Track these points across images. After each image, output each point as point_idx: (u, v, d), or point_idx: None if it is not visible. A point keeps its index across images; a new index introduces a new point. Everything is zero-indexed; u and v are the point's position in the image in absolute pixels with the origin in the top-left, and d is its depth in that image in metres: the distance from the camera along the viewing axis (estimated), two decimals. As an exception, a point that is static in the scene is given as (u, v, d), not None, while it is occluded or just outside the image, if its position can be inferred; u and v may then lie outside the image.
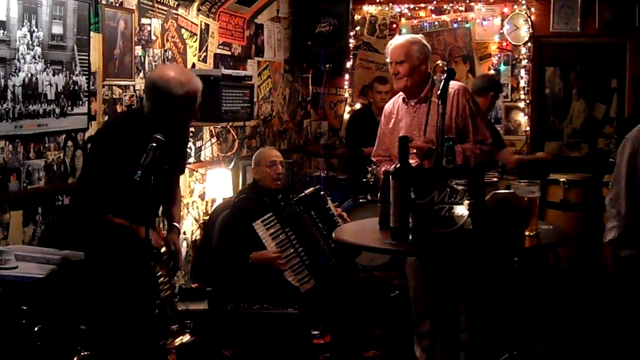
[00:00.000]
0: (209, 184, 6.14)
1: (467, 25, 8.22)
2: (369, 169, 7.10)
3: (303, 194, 5.49)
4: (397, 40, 4.58)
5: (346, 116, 8.55)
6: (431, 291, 4.27)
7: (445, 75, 3.84)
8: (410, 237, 3.15)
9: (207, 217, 5.91)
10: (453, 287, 3.53)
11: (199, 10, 6.05)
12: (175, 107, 3.96)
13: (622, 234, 4.13)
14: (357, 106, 8.46)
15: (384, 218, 3.47)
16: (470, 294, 4.28)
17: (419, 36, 4.67)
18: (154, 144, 3.58)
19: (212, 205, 6.20)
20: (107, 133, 4.18)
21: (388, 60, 4.53)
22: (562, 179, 7.05)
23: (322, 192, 5.57)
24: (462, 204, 3.11)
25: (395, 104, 4.66)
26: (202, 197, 6.22)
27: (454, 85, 4.32)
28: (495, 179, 3.80)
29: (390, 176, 3.30)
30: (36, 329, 3.38)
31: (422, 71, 4.48)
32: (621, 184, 4.16)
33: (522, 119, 8.09)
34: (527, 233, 3.38)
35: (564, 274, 6.60)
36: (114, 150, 3.93)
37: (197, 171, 6.13)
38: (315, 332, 5.17)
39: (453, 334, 3.64)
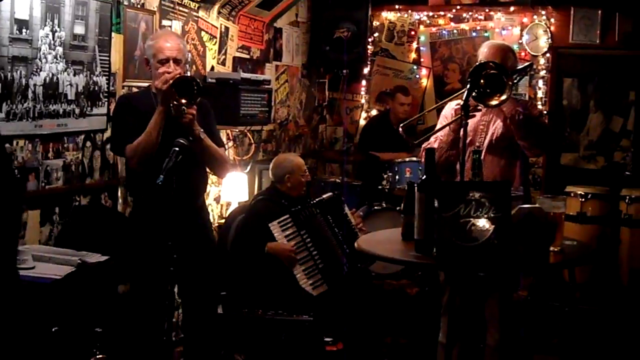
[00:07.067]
0: (224, 188, 6.10)
1: (486, 34, 8.16)
2: (385, 176, 7.08)
3: (321, 198, 5.45)
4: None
5: (362, 122, 8.50)
6: (450, 294, 4.20)
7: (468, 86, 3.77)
8: (435, 250, 3.12)
9: (223, 221, 5.88)
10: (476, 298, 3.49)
11: (219, 13, 6.03)
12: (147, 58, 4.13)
13: None
14: (374, 112, 8.43)
15: (407, 229, 3.43)
16: (503, 294, 4.20)
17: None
18: (177, 148, 3.55)
19: (227, 209, 6.17)
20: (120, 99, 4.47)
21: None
22: (579, 192, 6.96)
23: (341, 197, 5.55)
24: (487, 217, 3.07)
25: None
26: (217, 200, 6.19)
27: None
28: (521, 193, 3.75)
29: (416, 188, 3.26)
30: (53, 330, 3.37)
31: None
32: None
33: (539, 129, 8.02)
34: (552, 248, 3.35)
35: (579, 288, 6.53)
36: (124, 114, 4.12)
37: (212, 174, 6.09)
38: (327, 339, 5.14)
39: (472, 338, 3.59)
